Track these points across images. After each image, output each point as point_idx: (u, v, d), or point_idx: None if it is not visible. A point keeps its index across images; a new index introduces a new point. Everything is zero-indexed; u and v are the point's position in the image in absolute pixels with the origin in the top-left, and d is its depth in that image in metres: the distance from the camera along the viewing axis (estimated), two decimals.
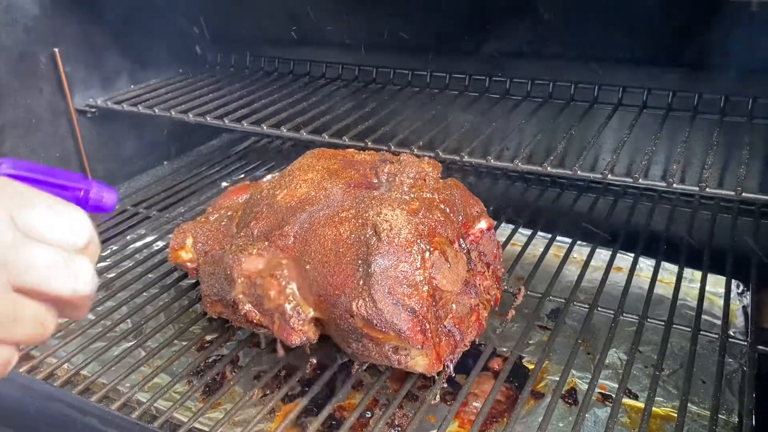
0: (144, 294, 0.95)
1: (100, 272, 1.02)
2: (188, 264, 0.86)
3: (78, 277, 0.40)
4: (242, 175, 1.38)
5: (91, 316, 0.91)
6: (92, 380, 0.77)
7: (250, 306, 0.70)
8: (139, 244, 1.10)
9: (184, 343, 0.85)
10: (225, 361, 0.82)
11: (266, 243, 0.71)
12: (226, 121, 1.10)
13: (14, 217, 0.38)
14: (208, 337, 0.88)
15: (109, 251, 1.08)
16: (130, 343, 0.84)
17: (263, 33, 1.39)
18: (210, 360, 0.85)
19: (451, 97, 1.18)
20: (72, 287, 0.39)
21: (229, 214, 0.85)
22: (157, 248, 1.08)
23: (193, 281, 0.96)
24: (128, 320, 0.90)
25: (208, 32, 1.40)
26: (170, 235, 0.88)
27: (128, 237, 1.13)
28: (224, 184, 1.34)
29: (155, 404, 0.75)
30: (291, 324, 0.67)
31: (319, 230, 0.69)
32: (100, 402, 0.74)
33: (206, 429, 0.71)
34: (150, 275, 0.99)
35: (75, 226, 0.40)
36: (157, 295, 0.94)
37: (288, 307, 0.67)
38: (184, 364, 0.82)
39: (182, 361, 0.83)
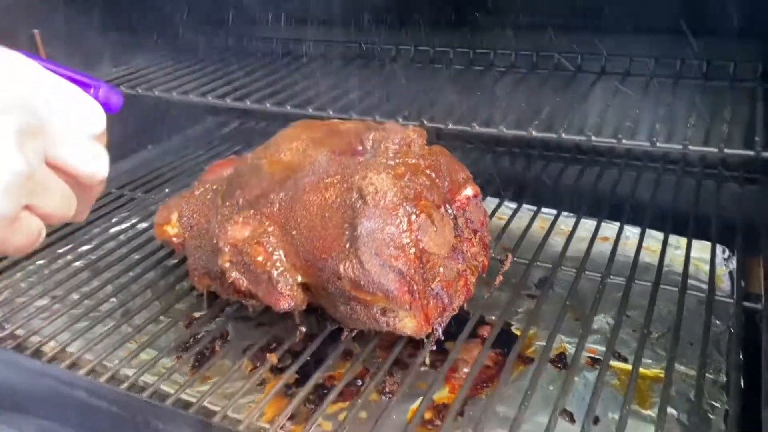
0: (129, 273, 0.93)
1: (84, 254, 1.01)
2: (174, 239, 0.85)
3: (98, 160, 0.43)
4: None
5: (75, 296, 0.90)
6: (78, 356, 0.76)
7: (236, 273, 0.69)
8: (125, 225, 1.09)
9: (171, 320, 0.84)
10: (213, 335, 0.82)
11: (251, 211, 0.71)
12: (210, 98, 1.09)
13: (47, 99, 0.40)
14: (196, 314, 0.88)
15: (93, 233, 1.07)
16: (116, 321, 0.83)
17: (244, 13, 1.38)
18: (198, 335, 0.84)
19: (435, 70, 1.18)
20: (93, 168, 0.42)
21: (214, 187, 0.84)
22: (142, 228, 1.07)
23: (179, 260, 0.95)
24: (113, 299, 0.89)
25: (190, 14, 1.38)
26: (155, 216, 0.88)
27: (113, 219, 1.12)
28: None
29: (143, 378, 0.74)
30: (279, 289, 0.66)
31: (305, 196, 0.68)
32: (87, 375, 0.73)
33: (194, 401, 0.70)
34: (135, 255, 0.98)
35: (95, 113, 0.43)
36: (141, 274, 0.93)
37: (275, 272, 0.67)
38: (172, 340, 0.82)
39: (169, 336, 0.82)
